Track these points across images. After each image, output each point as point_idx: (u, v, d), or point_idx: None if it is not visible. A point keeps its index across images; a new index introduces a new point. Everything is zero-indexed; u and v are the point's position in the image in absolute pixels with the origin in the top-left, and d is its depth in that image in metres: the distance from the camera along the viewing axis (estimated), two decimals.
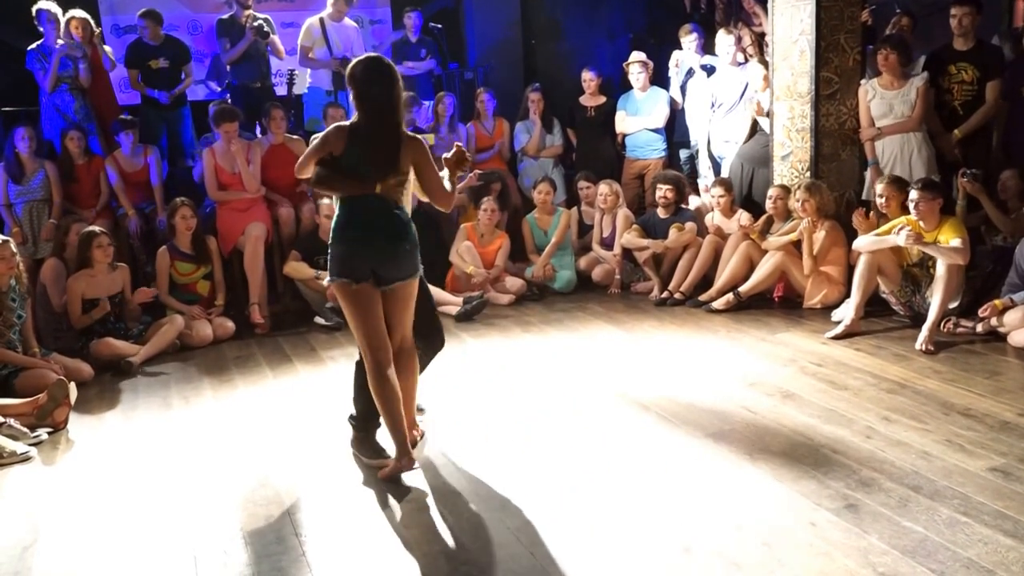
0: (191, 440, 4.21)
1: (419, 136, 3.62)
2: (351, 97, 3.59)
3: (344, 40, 7.69)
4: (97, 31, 7.16)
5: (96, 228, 5.70)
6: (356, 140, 3.50)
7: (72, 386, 4.57)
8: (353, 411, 3.85)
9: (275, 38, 7.53)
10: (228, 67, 7.54)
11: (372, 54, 3.69)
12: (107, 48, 7.29)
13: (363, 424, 3.84)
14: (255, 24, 7.30)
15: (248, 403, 4.71)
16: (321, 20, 7.65)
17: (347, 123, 3.59)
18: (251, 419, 4.46)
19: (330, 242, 3.60)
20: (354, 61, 3.59)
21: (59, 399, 4.42)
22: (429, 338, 3.90)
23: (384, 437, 3.74)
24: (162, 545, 3.18)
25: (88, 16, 7.11)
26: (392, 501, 3.43)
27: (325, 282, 3.68)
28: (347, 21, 7.81)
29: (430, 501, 3.42)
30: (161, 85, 7.27)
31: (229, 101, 7.34)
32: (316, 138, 3.66)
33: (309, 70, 7.79)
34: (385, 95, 3.50)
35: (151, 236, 6.62)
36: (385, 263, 3.50)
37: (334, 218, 3.57)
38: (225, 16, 7.53)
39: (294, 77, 7.61)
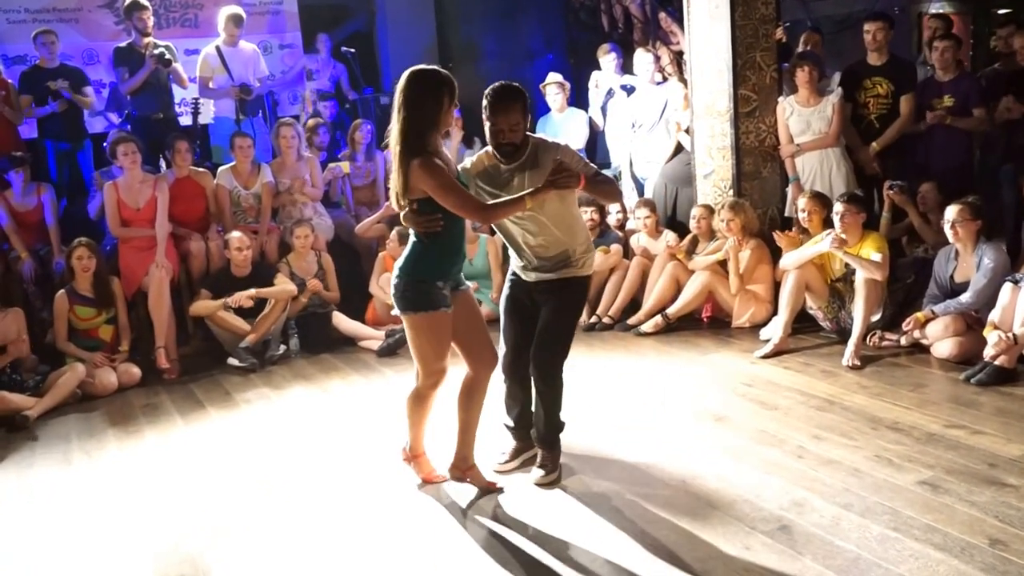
0: (95, 499, 4.05)
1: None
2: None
3: (243, 65, 7.62)
4: None
5: None
6: None
7: None
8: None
9: (177, 66, 7.38)
10: (128, 97, 7.37)
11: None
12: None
13: None
14: (155, 52, 7.13)
15: (157, 455, 4.57)
16: (217, 48, 7.58)
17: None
18: (160, 472, 4.32)
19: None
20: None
21: None
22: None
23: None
24: None
25: None
26: (310, 562, 3.37)
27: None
28: (243, 45, 7.74)
29: (349, 552, 3.38)
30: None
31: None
32: None
33: (213, 100, 7.67)
34: None
35: (47, 280, 6.40)
36: None
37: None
38: (123, 44, 7.37)
39: (199, 106, 7.47)
